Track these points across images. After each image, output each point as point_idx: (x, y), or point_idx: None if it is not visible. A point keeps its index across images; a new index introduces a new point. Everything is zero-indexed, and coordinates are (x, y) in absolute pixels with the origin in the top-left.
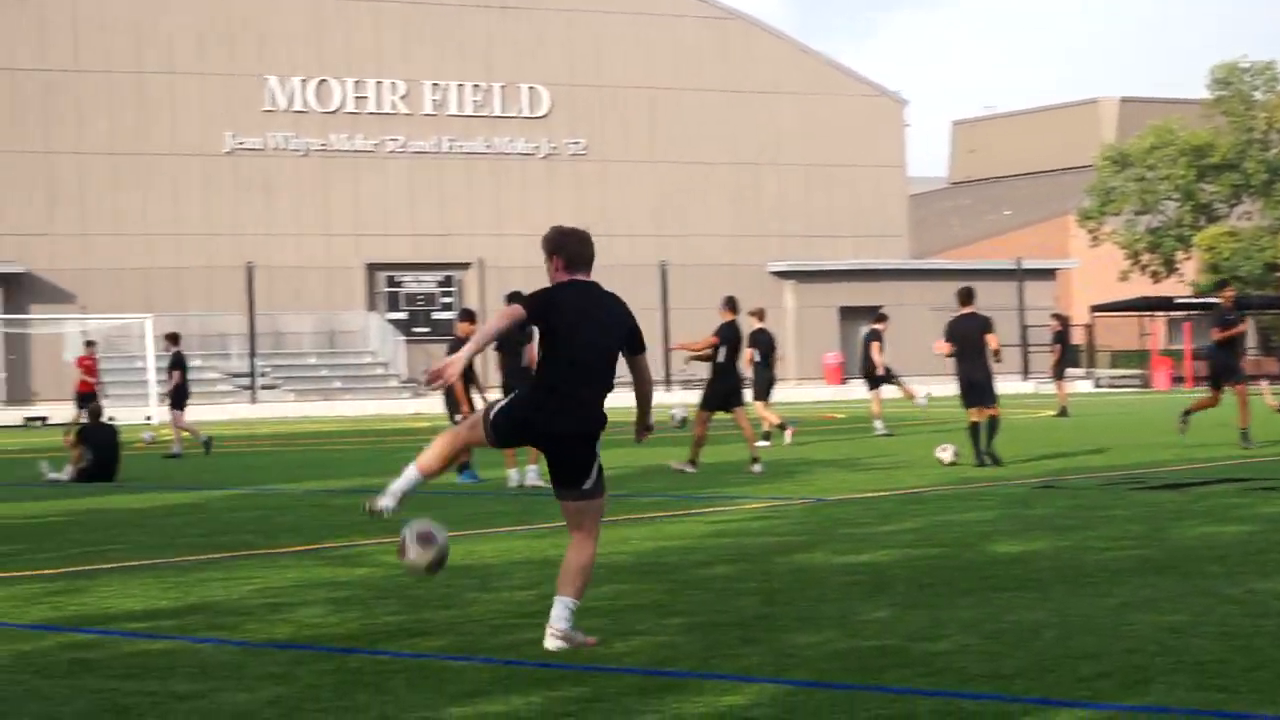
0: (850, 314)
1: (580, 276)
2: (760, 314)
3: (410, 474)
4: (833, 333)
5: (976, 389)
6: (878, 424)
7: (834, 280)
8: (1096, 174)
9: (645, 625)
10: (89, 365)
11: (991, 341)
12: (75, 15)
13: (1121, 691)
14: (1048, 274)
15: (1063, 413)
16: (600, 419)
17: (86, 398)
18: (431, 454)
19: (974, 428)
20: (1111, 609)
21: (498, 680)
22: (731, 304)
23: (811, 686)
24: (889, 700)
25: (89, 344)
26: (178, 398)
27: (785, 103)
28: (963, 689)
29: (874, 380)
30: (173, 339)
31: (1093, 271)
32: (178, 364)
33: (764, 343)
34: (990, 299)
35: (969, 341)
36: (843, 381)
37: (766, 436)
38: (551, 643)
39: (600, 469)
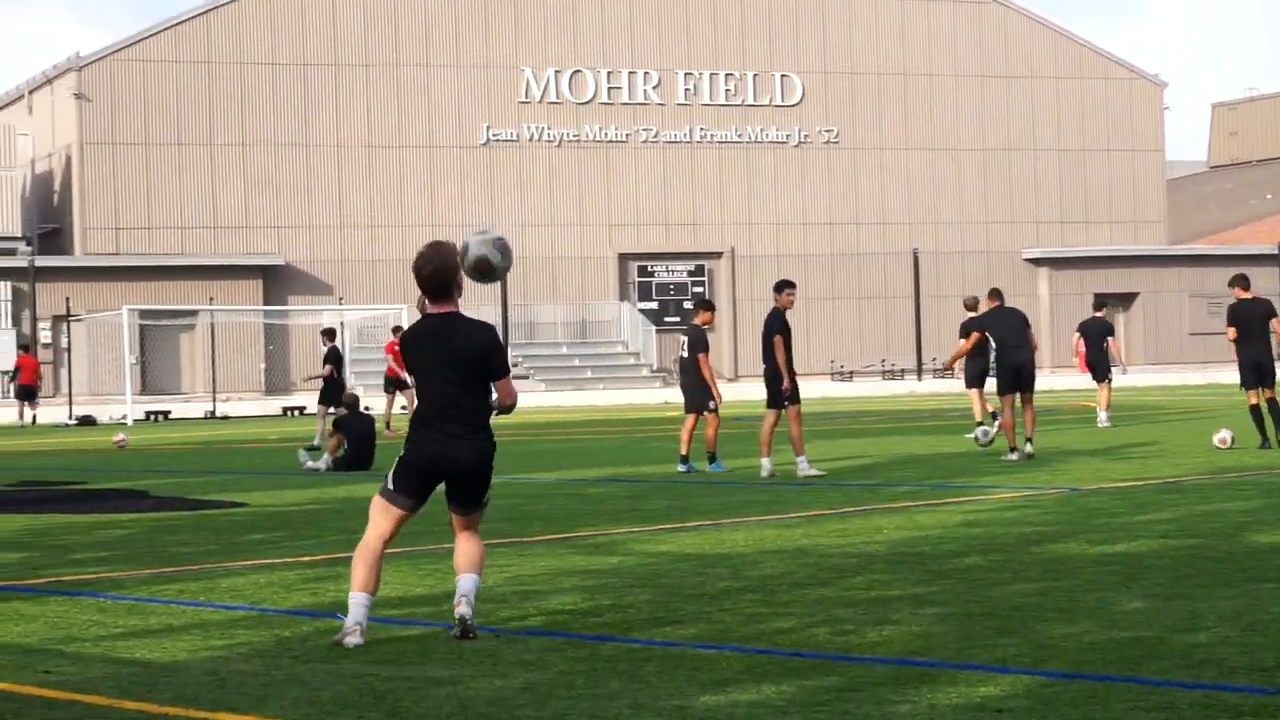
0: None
1: (437, 308)
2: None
3: (355, 599)
4: None
5: (1259, 371)
6: (1102, 415)
7: (1089, 267)
8: None
9: (899, 615)
10: (399, 353)
11: (1276, 325)
12: (335, 8)
13: None
14: None
15: None
16: (480, 447)
17: (394, 383)
18: (360, 572)
19: (1255, 410)
20: None
21: (749, 669)
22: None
23: (1068, 678)
24: (1146, 692)
25: (396, 330)
26: (328, 393)
27: (1041, 86)
28: (1223, 681)
29: (1102, 372)
30: (328, 334)
31: None
32: (331, 359)
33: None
34: (1253, 286)
35: (1254, 323)
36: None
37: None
38: (466, 609)
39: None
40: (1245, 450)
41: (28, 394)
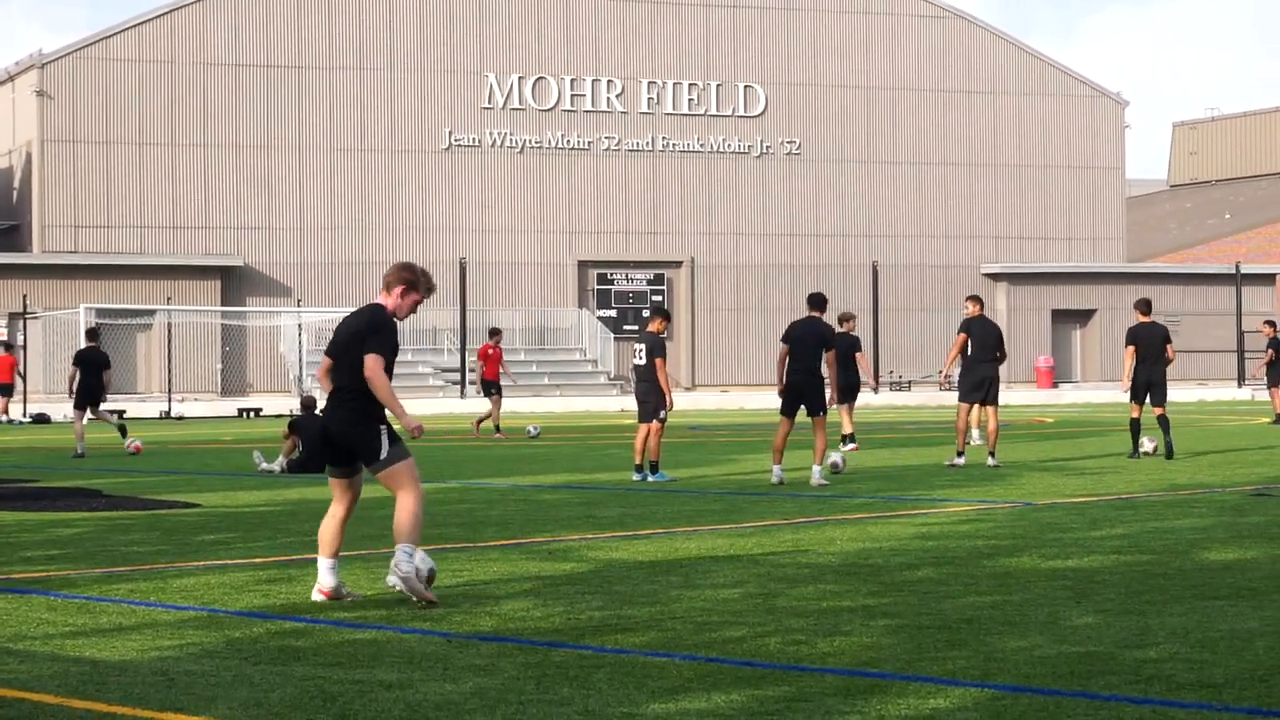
0: (1063, 317)
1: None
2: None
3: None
4: (1045, 336)
5: (1150, 388)
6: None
7: (1047, 283)
8: None
9: (850, 626)
10: (497, 354)
11: (1170, 350)
12: (299, 10)
13: None
14: (1267, 279)
15: (1277, 419)
16: (346, 416)
17: (492, 385)
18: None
19: (1135, 422)
20: None
21: (700, 678)
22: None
23: (1017, 691)
24: (1095, 707)
25: (493, 332)
26: None
27: (1003, 102)
28: (1171, 697)
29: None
30: None
31: None
32: None
33: (845, 346)
34: (1208, 304)
35: (1151, 346)
36: (1054, 385)
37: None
38: (392, 579)
39: (381, 447)
40: (1199, 468)
41: (4, 391)
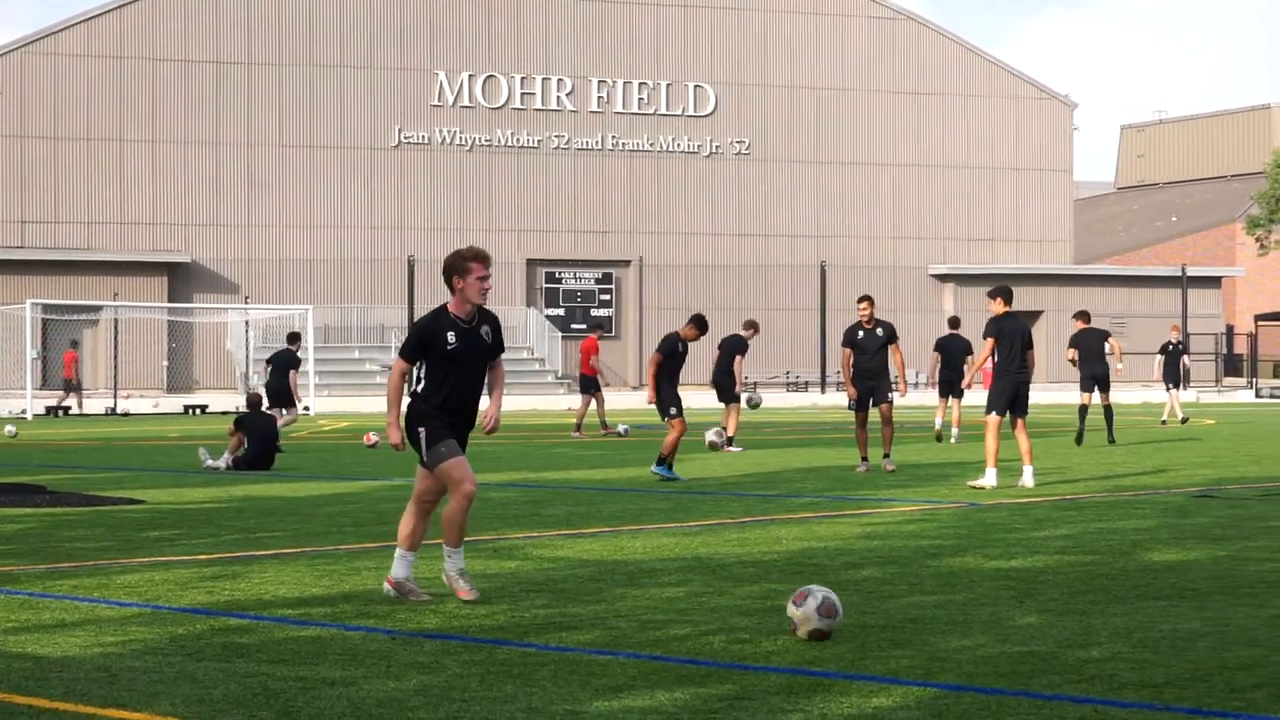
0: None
1: None
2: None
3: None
4: None
5: (1095, 380)
6: (954, 432)
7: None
8: (1267, 181)
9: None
10: (594, 347)
11: (1113, 343)
12: (249, 7)
13: (1276, 703)
14: (1213, 282)
15: (1162, 421)
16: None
17: (590, 381)
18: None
19: (1083, 409)
20: (1269, 620)
21: (644, 676)
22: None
23: (959, 690)
24: (1037, 706)
25: (595, 327)
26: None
27: (952, 104)
28: (1113, 697)
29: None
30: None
31: (1259, 280)
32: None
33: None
34: (1154, 306)
35: (1091, 345)
36: None
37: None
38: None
39: (421, 450)
40: (1143, 469)
41: (67, 387)
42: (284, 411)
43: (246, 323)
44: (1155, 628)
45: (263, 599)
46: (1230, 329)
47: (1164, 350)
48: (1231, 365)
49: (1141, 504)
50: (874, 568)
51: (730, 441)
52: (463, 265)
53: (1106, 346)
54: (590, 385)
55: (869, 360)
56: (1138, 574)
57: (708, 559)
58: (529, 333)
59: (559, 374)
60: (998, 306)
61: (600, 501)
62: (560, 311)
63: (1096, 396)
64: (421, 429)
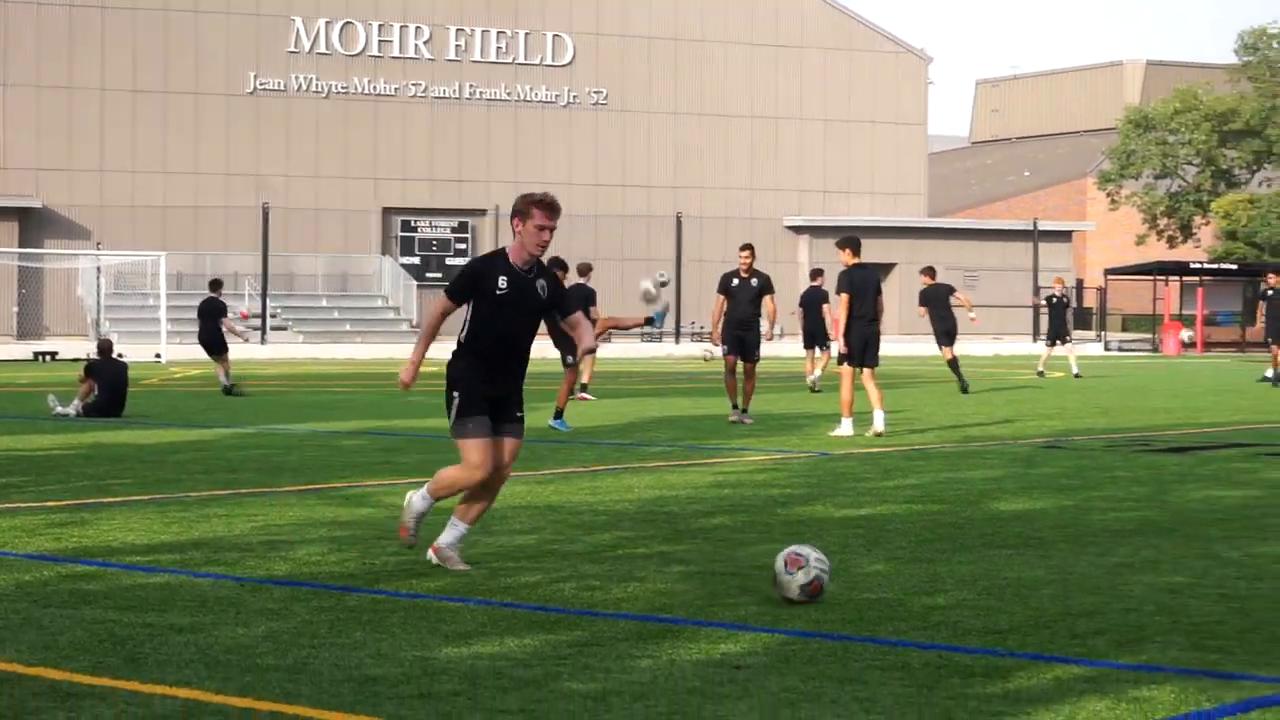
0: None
1: None
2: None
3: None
4: None
5: (949, 334)
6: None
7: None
8: (1118, 136)
9: (644, 573)
10: None
11: (960, 297)
12: None
13: (1116, 649)
14: (1064, 236)
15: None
16: None
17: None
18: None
19: (951, 362)
20: (1111, 568)
21: (494, 622)
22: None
23: (807, 636)
24: (883, 652)
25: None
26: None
27: (809, 57)
28: (957, 643)
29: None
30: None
31: (1109, 235)
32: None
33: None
34: (1006, 260)
35: (939, 300)
36: None
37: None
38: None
39: (450, 416)
40: (992, 420)
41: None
42: (222, 359)
43: (98, 269)
44: (1000, 576)
45: (111, 546)
46: (1080, 283)
47: (1048, 302)
48: (1081, 319)
49: (990, 454)
50: (725, 516)
51: (585, 388)
52: (525, 208)
53: (953, 300)
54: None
55: (741, 310)
56: (984, 523)
57: (560, 507)
58: (383, 281)
59: (414, 323)
60: (847, 257)
61: (452, 450)
62: (416, 260)
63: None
64: (456, 393)
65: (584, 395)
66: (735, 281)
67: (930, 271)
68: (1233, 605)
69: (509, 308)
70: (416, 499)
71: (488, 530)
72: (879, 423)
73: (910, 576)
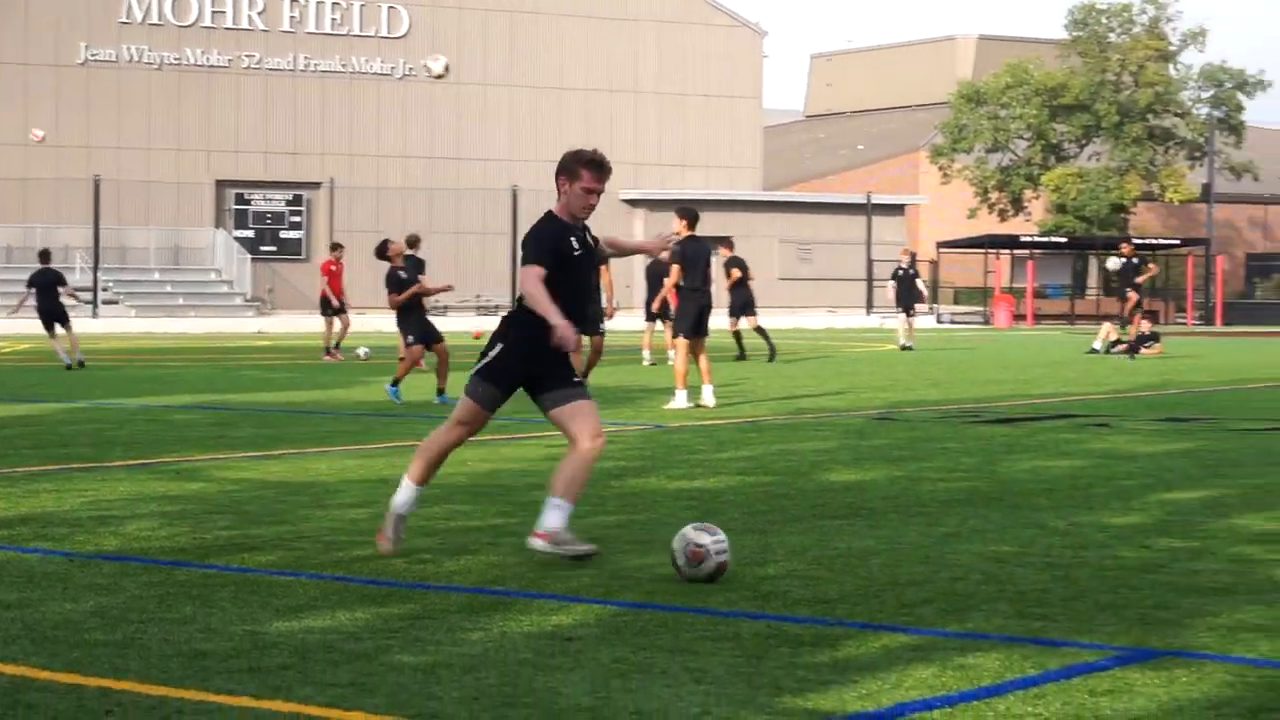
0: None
1: None
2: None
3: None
4: None
5: (745, 308)
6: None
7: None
8: (951, 111)
9: (477, 546)
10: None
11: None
12: None
13: (943, 617)
14: (897, 209)
15: (903, 347)
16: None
17: (331, 307)
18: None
19: (736, 334)
20: (940, 538)
21: (325, 596)
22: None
23: (638, 608)
24: (714, 623)
25: (334, 247)
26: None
27: (645, 30)
28: (787, 613)
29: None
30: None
31: (942, 208)
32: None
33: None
34: (840, 233)
35: (745, 272)
36: None
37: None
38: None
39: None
40: (825, 392)
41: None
42: (59, 330)
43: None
44: (830, 546)
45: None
46: (914, 256)
47: (895, 276)
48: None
49: (822, 426)
50: None
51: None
52: (573, 168)
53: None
54: (329, 309)
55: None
56: (815, 494)
57: (393, 480)
58: (217, 255)
59: (248, 296)
60: (683, 229)
61: (287, 424)
62: (250, 233)
63: (744, 322)
64: (496, 350)
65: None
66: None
67: (728, 243)
68: (1057, 574)
69: (580, 269)
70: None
71: (320, 504)
72: (708, 396)
73: (742, 548)
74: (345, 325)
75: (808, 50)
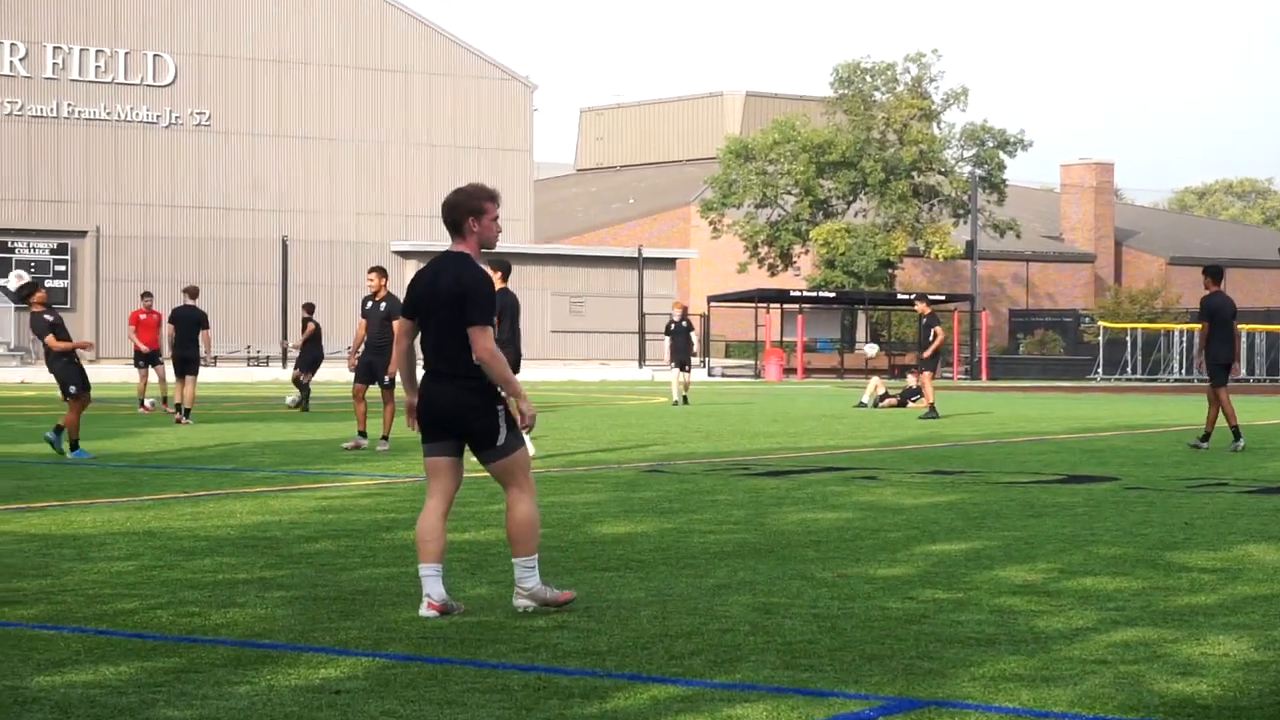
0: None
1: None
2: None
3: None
4: None
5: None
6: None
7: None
8: (719, 165)
9: (245, 598)
10: (151, 319)
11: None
12: None
13: (712, 668)
14: (669, 263)
15: (676, 402)
16: (456, 391)
17: (144, 357)
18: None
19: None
20: (709, 590)
21: (89, 650)
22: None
23: (408, 660)
24: (484, 675)
25: (145, 295)
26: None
27: (415, 82)
28: (557, 664)
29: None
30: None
31: (712, 262)
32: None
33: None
34: (612, 286)
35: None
36: None
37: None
38: (521, 602)
39: (506, 427)
40: (597, 446)
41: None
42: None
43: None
44: (601, 598)
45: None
46: (685, 309)
47: (668, 330)
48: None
49: (594, 478)
50: (328, 541)
51: (188, 414)
52: (478, 204)
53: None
54: (143, 360)
55: (371, 334)
56: (586, 546)
57: (159, 533)
58: None
59: (11, 345)
60: (497, 280)
61: (50, 475)
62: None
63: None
64: (501, 409)
65: (186, 420)
66: (369, 304)
67: (505, 269)
68: (824, 624)
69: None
70: (530, 580)
71: (84, 557)
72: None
73: (512, 600)
74: (160, 376)
75: (578, 104)
